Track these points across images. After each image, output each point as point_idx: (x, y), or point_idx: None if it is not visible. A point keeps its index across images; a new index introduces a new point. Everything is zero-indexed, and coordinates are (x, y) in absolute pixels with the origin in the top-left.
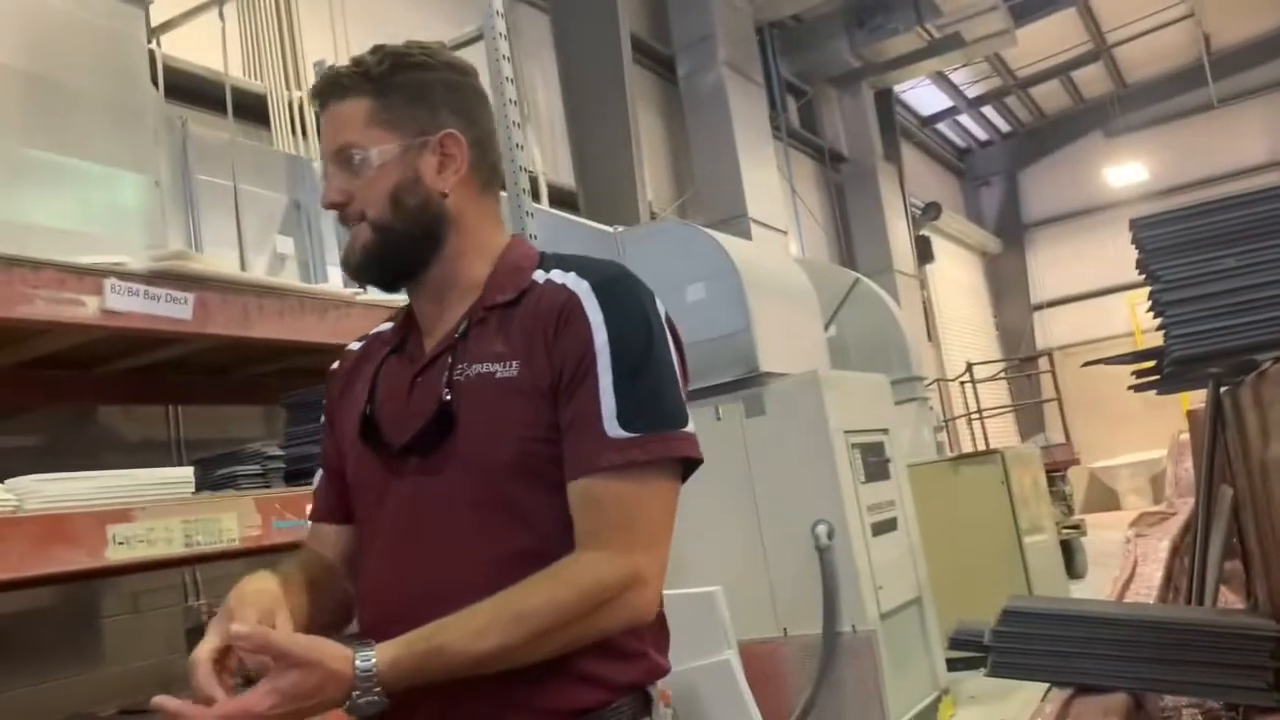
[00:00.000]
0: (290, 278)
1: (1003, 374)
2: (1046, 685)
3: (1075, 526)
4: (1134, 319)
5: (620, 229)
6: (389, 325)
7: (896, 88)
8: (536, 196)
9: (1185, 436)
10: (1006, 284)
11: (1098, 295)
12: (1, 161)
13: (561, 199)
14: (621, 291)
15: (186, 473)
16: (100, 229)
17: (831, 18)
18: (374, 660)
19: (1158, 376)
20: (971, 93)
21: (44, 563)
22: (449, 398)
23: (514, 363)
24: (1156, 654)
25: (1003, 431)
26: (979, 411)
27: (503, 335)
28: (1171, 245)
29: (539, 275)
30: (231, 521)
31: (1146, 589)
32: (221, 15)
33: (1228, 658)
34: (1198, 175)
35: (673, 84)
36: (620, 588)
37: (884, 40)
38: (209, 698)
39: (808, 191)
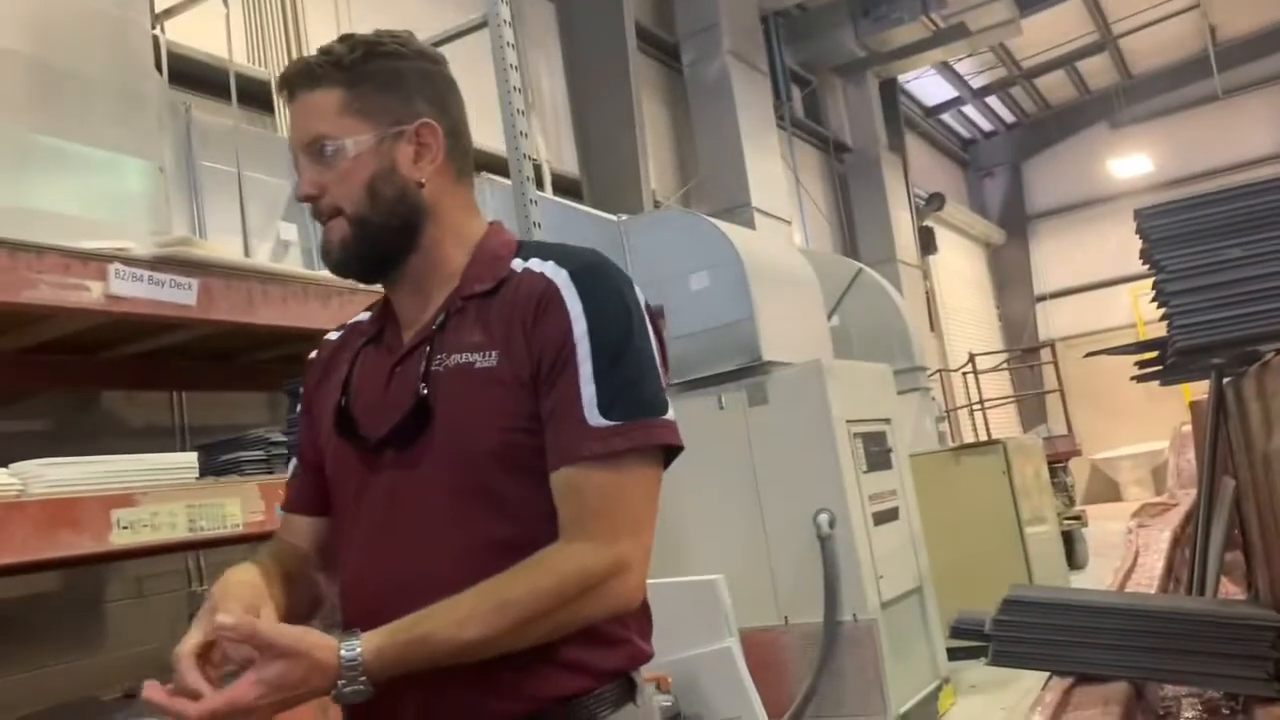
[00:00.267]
0: (293, 264)
1: (1005, 365)
2: (1047, 674)
3: (1076, 517)
4: (1136, 310)
5: (624, 217)
6: (367, 315)
7: (901, 77)
8: (540, 185)
9: (1187, 428)
10: (1009, 275)
11: (1100, 287)
12: (6, 147)
13: (565, 187)
14: (600, 279)
15: (190, 458)
16: (104, 215)
17: (836, 6)
18: (359, 650)
19: (1160, 367)
20: (976, 83)
21: (48, 547)
22: (426, 390)
23: (493, 352)
24: (1157, 644)
25: (1004, 422)
26: (981, 402)
27: (481, 325)
28: (1176, 235)
29: (517, 264)
30: (235, 507)
31: (1148, 579)
32: (225, 1)
33: (1228, 648)
34: (1202, 167)
35: (677, 72)
36: (604, 575)
37: (889, 30)
38: (194, 691)
39: (811, 181)
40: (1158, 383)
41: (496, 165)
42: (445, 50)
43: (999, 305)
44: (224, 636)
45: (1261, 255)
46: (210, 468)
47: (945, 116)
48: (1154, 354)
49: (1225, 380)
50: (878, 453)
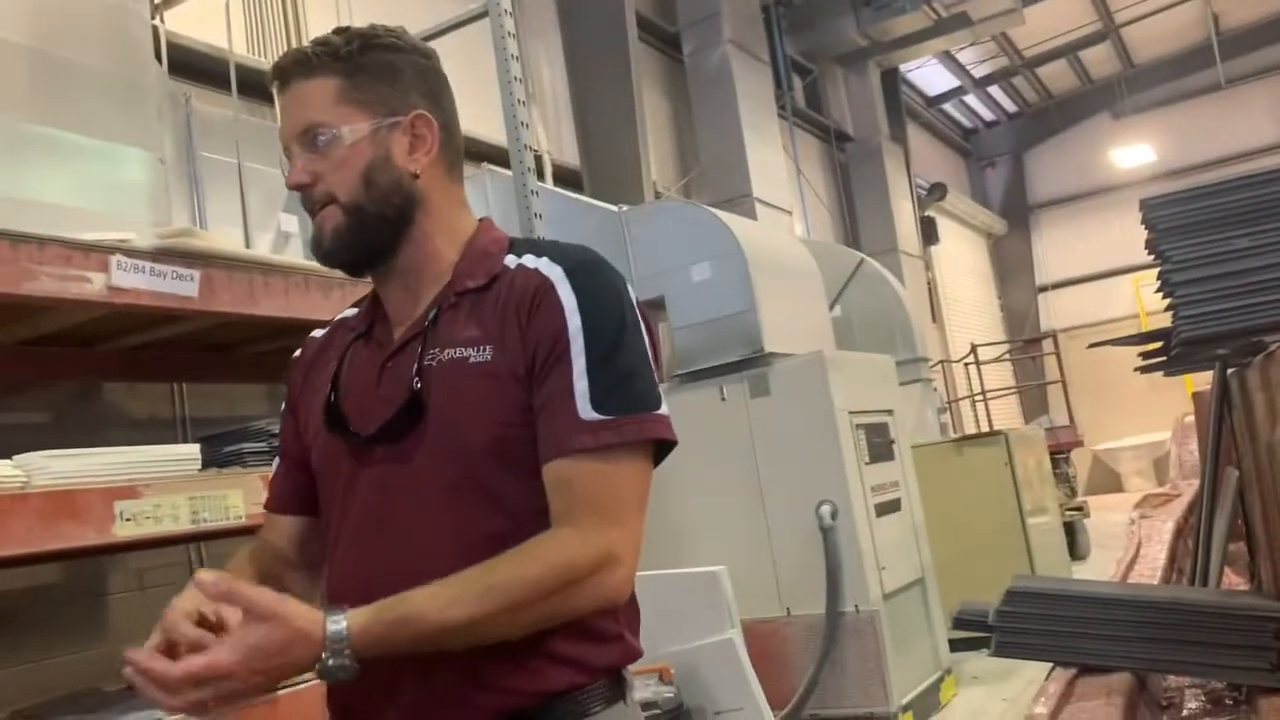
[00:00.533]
0: (294, 255)
1: (1007, 356)
2: (1050, 665)
3: (1078, 508)
4: (1139, 301)
5: (625, 208)
6: (353, 311)
7: (903, 67)
8: (541, 175)
9: (1190, 419)
10: (1011, 265)
11: (1103, 277)
12: (6, 137)
13: (566, 178)
14: (595, 276)
15: (193, 450)
16: (105, 206)
17: None
18: (345, 623)
19: (1165, 358)
20: (978, 72)
21: (52, 539)
22: (419, 385)
23: (487, 347)
24: (1160, 634)
25: (1006, 413)
26: (983, 393)
27: (475, 320)
28: (1182, 225)
29: (510, 260)
30: (237, 499)
31: (1150, 570)
32: None
33: (1232, 638)
34: (1205, 156)
35: (678, 62)
36: (593, 566)
37: (891, 19)
38: (173, 643)
39: (813, 171)
40: (1161, 374)
41: (497, 156)
42: (445, 41)
43: (1001, 296)
44: (203, 592)
45: (1267, 246)
46: (213, 459)
47: (947, 106)
48: (1158, 345)
49: (1229, 371)
50: (880, 444)
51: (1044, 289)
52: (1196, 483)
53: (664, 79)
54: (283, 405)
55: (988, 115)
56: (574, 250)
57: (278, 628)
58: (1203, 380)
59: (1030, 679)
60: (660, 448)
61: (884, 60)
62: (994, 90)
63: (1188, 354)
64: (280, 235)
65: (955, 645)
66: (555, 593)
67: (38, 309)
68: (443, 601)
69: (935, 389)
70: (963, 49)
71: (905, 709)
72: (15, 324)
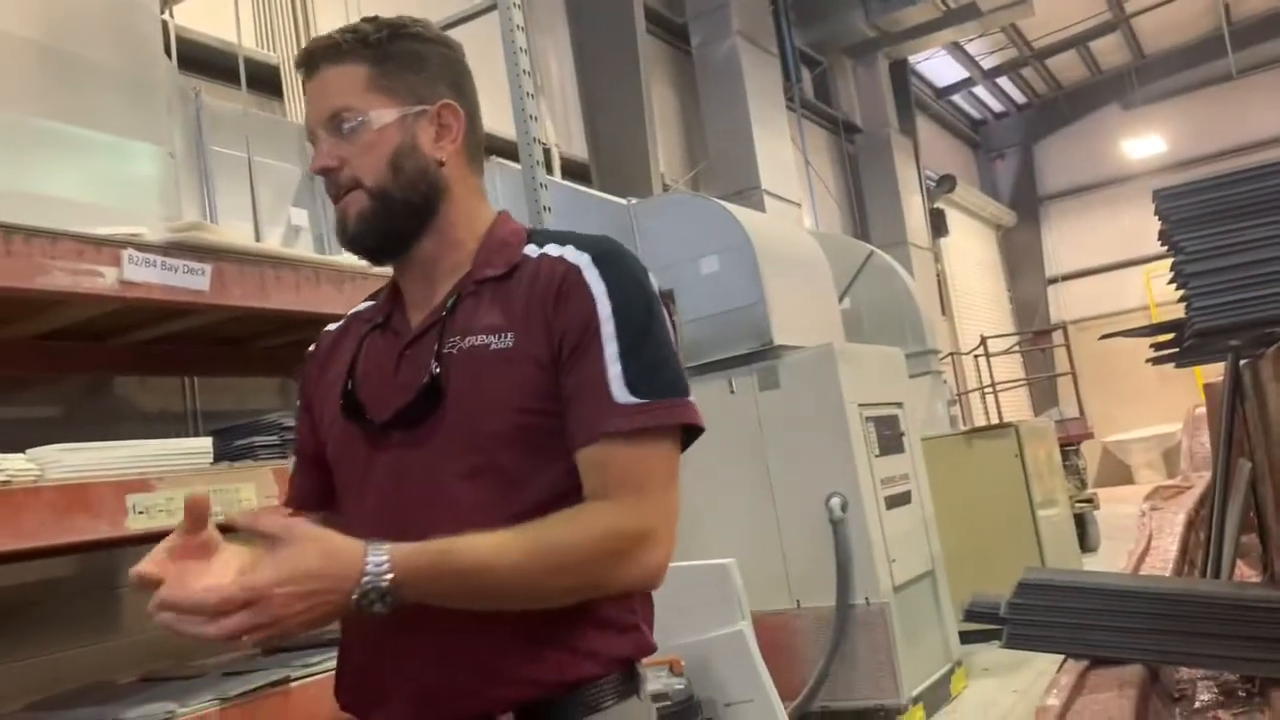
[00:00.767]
0: (304, 249)
1: (1016, 348)
2: (1061, 657)
3: (1088, 500)
4: (1149, 292)
5: (634, 201)
6: (369, 303)
7: (912, 58)
8: (549, 169)
9: (1201, 410)
10: (1021, 257)
11: (1113, 269)
12: (16, 133)
13: (574, 171)
14: (621, 264)
15: (205, 443)
16: (115, 200)
17: None
18: (386, 549)
19: (1177, 349)
20: (987, 64)
21: (65, 532)
22: (438, 370)
23: (509, 334)
24: (1173, 626)
25: (1016, 405)
26: (993, 385)
27: (498, 308)
28: (1195, 216)
29: (531, 250)
30: (250, 491)
31: (1162, 562)
32: None
33: (1244, 630)
34: (1217, 147)
35: (686, 54)
36: (634, 540)
37: (900, 10)
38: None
39: (821, 163)
40: (1172, 365)
41: (506, 149)
42: (454, 34)
43: (1010, 288)
44: (232, 524)
45: None
46: (224, 453)
47: (956, 98)
48: (1170, 336)
49: (1242, 362)
50: (890, 436)
51: (1054, 281)
52: (1208, 474)
53: (672, 71)
54: (298, 402)
55: (997, 107)
56: (597, 239)
57: (315, 547)
58: (1214, 372)
59: (1041, 671)
60: (687, 435)
61: (893, 52)
62: (1003, 81)
63: (1201, 345)
64: (290, 229)
65: (966, 637)
66: (599, 561)
67: (50, 303)
68: (490, 548)
69: (945, 381)
70: (972, 40)
71: (915, 701)
72: (28, 318)
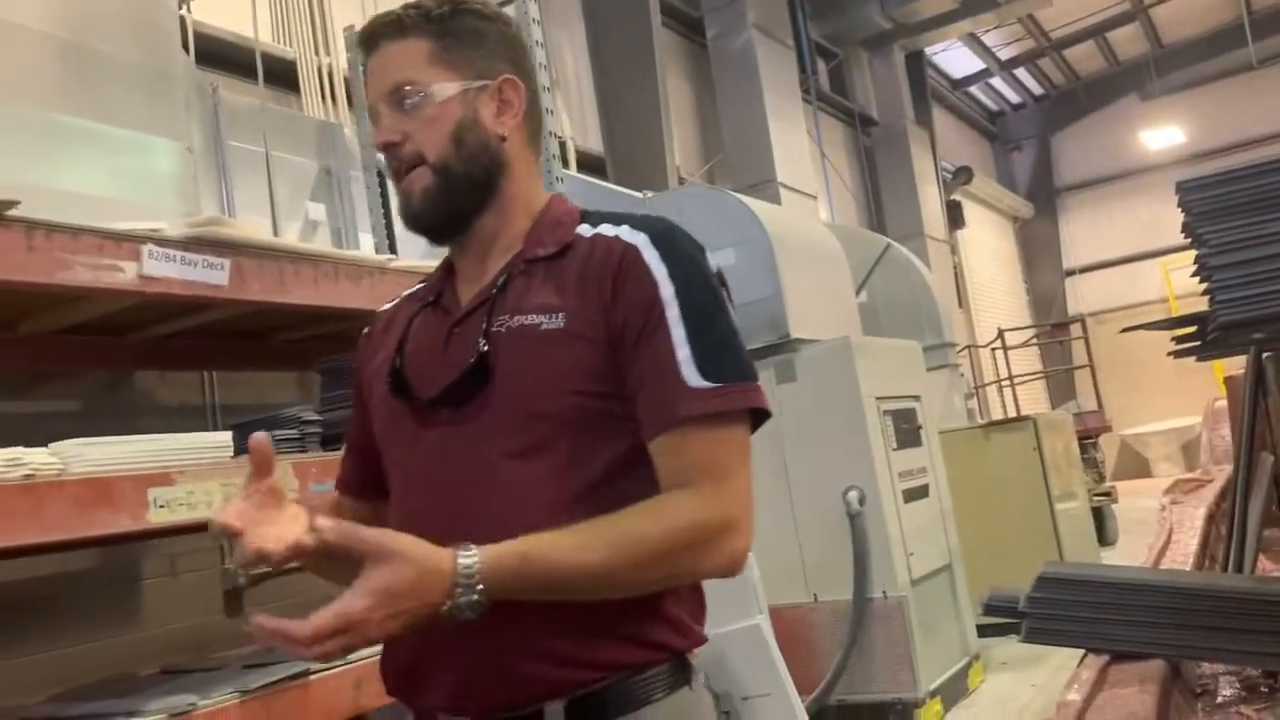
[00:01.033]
0: (322, 244)
1: (1034, 340)
2: (1081, 652)
3: (1106, 493)
4: (1168, 284)
5: (650, 195)
6: (421, 285)
7: (928, 50)
8: (565, 162)
9: (1220, 403)
10: (1038, 249)
11: (1131, 261)
12: (36, 129)
13: (590, 165)
14: (680, 245)
15: (225, 437)
16: (134, 195)
17: None
18: (475, 556)
19: (1199, 342)
20: (1004, 55)
21: (88, 525)
22: (486, 348)
23: (560, 315)
24: (1194, 621)
25: (1033, 398)
26: (1010, 378)
27: (550, 288)
28: (1219, 209)
29: (584, 230)
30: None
31: (1183, 556)
32: None
33: (1267, 625)
34: (1236, 138)
35: (701, 47)
36: (717, 529)
37: (916, 1)
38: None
39: (837, 156)
40: (1194, 358)
41: None
42: None
43: (1027, 280)
44: (323, 538)
45: None
46: (244, 447)
47: (973, 89)
48: (1192, 329)
49: (1265, 355)
50: (907, 430)
51: (1071, 273)
52: (1229, 468)
53: (687, 64)
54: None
55: (1014, 98)
56: (653, 219)
57: (405, 566)
58: (1235, 365)
59: (1059, 665)
60: (754, 420)
61: (909, 43)
62: (1020, 73)
63: (1224, 339)
64: (308, 224)
65: (983, 631)
66: (683, 552)
67: (71, 298)
68: (574, 545)
69: (962, 374)
70: (988, 31)
71: (933, 695)
72: (50, 313)
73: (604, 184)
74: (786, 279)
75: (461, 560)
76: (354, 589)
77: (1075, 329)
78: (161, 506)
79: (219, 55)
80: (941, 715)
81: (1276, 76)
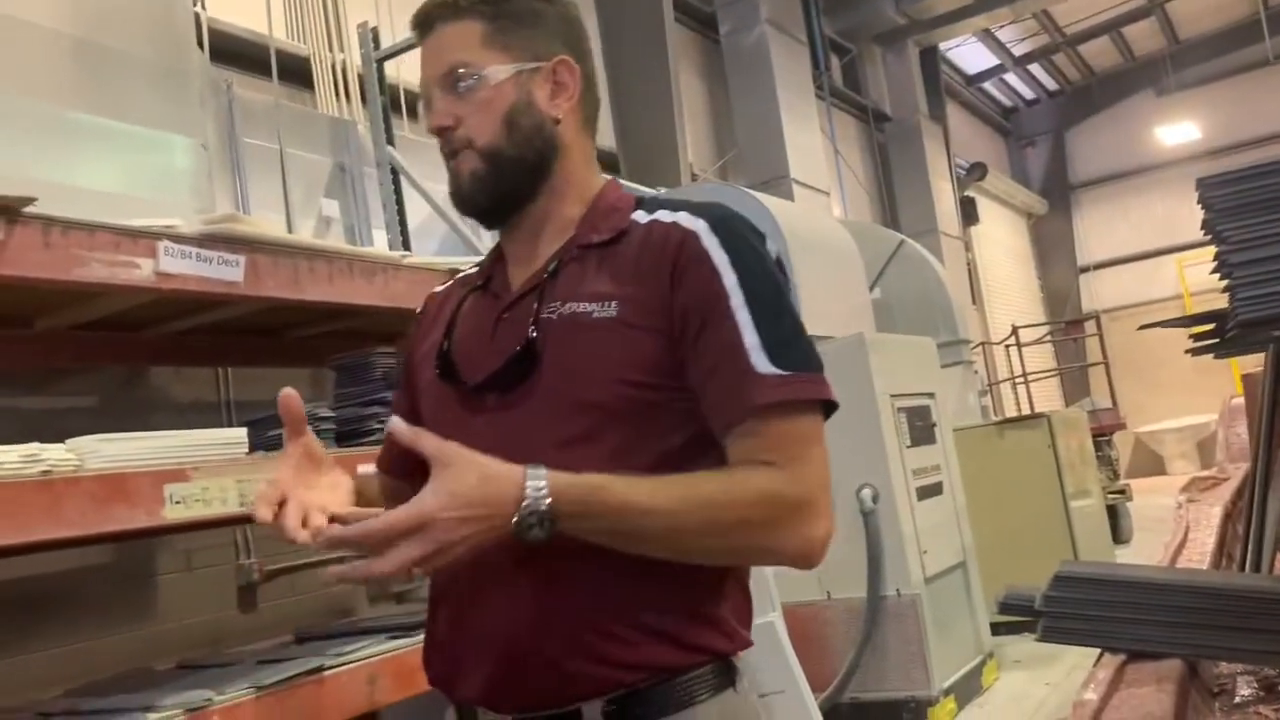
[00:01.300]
0: (336, 240)
1: (1048, 337)
2: (1097, 651)
3: (1121, 491)
4: (1183, 281)
5: (662, 191)
6: (474, 268)
7: (942, 45)
8: None
9: (1237, 401)
10: (1052, 246)
11: (1146, 257)
12: (52, 125)
13: (603, 161)
14: (740, 231)
15: (240, 433)
16: (148, 192)
17: None
18: (545, 472)
19: (1217, 340)
20: (1019, 50)
21: (105, 521)
22: (535, 334)
23: (613, 303)
24: (1212, 620)
25: (1047, 396)
26: (1024, 375)
27: (604, 275)
28: (1239, 205)
29: (640, 216)
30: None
31: (1199, 555)
32: None
33: None
34: (1253, 134)
35: (714, 43)
36: (791, 506)
37: None
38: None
39: (851, 152)
40: (1211, 355)
41: None
42: None
43: (1041, 277)
44: (399, 432)
45: None
46: (259, 443)
47: (987, 85)
48: (1210, 326)
49: None
50: (921, 427)
51: (1085, 269)
52: (1245, 466)
53: (700, 60)
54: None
55: (1028, 94)
56: (710, 205)
57: (473, 468)
58: (1251, 363)
59: (1073, 664)
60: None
61: (923, 39)
62: (1035, 68)
63: (1243, 335)
64: (322, 220)
65: (997, 629)
66: (755, 524)
67: (87, 295)
68: (645, 490)
69: (976, 371)
70: (1003, 26)
71: (947, 693)
72: (65, 309)
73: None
74: (800, 276)
75: (530, 473)
76: (424, 490)
77: (1090, 326)
78: (177, 502)
79: (233, 52)
80: (955, 713)
81: None
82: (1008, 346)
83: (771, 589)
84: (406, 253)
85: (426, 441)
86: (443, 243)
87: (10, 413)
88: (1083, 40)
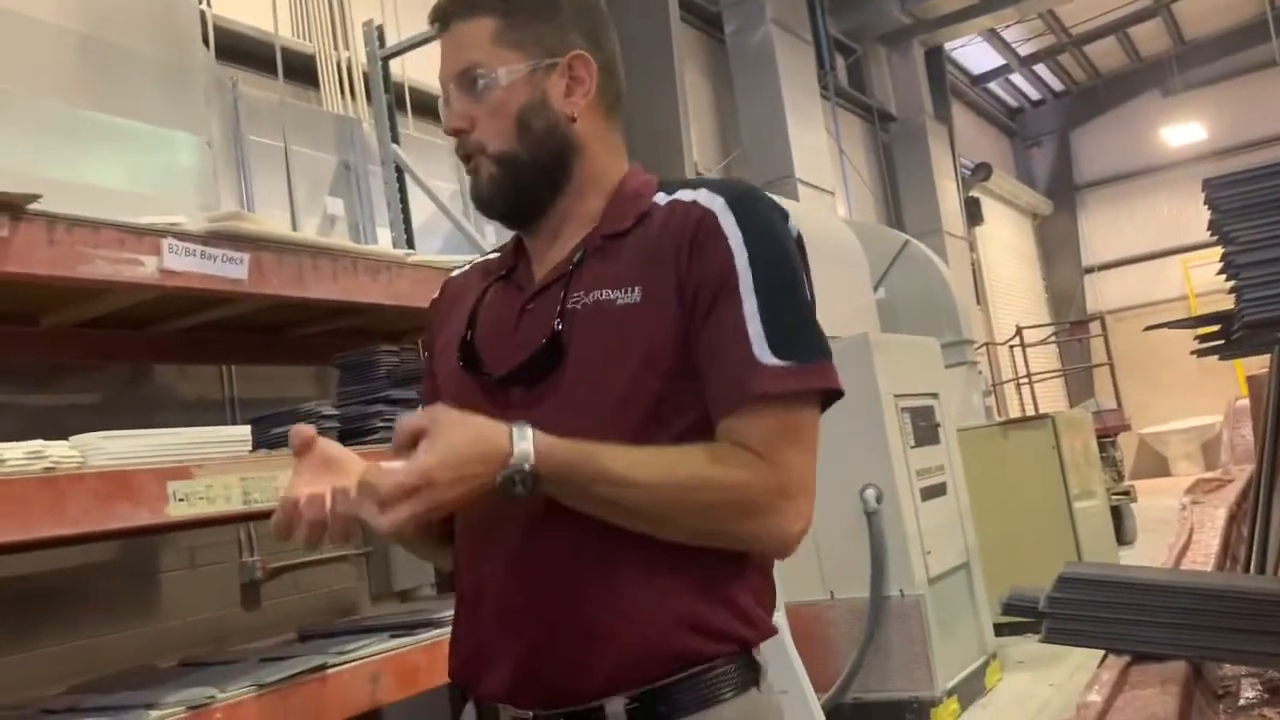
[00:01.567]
0: (340, 238)
1: (1052, 338)
2: (1101, 652)
3: (1125, 492)
4: (1188, 282)
5: None
6: (494, 254)
7: (947, 45)
8: None
9: (1242, 402)
10: (1057, 246)
11: (1151, 258)
12: (57, 123)
13: None
14: (759, 209)
15: (244, 431)
16: (153, 189)
17: None
18: (530, 437)
19: (1223, 341)
20: (1024, 50)
21: (108, 518)
22: (560, 327)
23: (636, 288)
24: (1216, 623)
25: (1051, 396)
26: (1028, 376)
27: (629, 260)
28: (1247, 205)
29: (660, 198)
30: (287, 479)
31: (1204, 557)
32: None
33: None
34: (1259, 135)
35: (720, 42)
36: (766, 498)
37: None
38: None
39: (856, 152)
40: (1216, 356)
41: None
42: None
43: (1046, 277)
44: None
45: None
46: (263, 441)
47: (992, 85)
48: (1216, 328)
49: None
50: (925, 427)
51: (1090, 270)
52: (1250, 468)
53: (706, 59)
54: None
55: (1034, 94)
56: (733, 182)
57: (464, 429)
58: (1257, 364)
59: (1077, 665)
60: (826, 399)
61: (928, 39)
62: (1040, 68)
63: (1249, 337)
64: (326, 218)
65: (1000, 629)
66: (729, 509)
67: (92, 292)
68: (627, 461)
69: (980, 372)
70: (1008, 27)
71: (950, 693)
72: (70, 307)
73: None
74: None
75: (517, 432)
76: (421, 450)
77: (1094, 327)
78: (181, 500)
79: (239, 50)
80: (958, 714)
81: None
82: (1012, 347)
83: (775, 589)
84: (411, 251)
85: (409, 424)
86: (447, 241)
87: (14, 409)
88: (1088, 40)
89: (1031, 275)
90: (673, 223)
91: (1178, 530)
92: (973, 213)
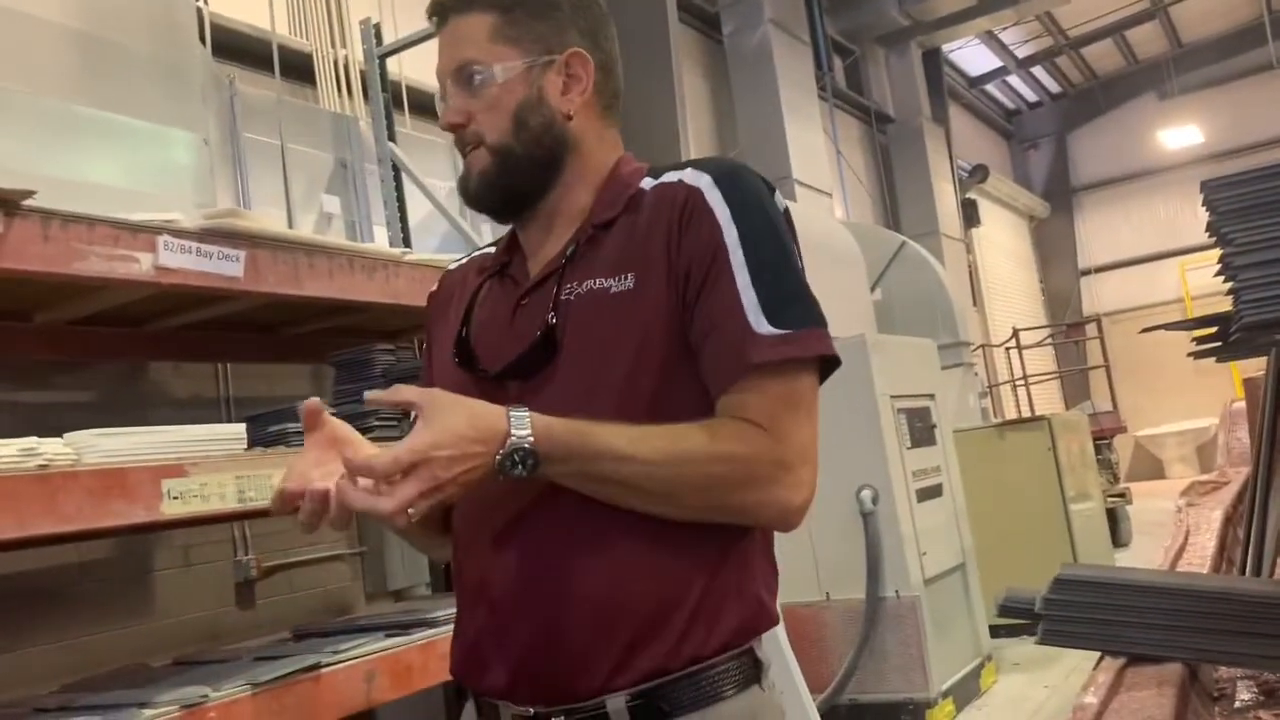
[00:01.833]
0: (337, 236)
1: (1049, 340)
2: (1097, 654)
3: (1120, 495)
4: (1185, 285)
5: None
6: (490, 248)
7: (945, 47)
8: None
9: (1238, 404)
10: (1054, 248)
11: (1147, 261)
12: (54, 120)
13: None
14: (744, 184)
15: (239, 429)
16: (150, 187)
17: None
18: (528, 416)
19: (1220, 343)
20: (1021, 53)
21: (102, 516)
22: (555, 320)
23: (629, 275)
24: (1212, 625)
25: (1047, 398)
26: (1024, 378)
27: (620, 246)
28: (1245, 208)
29: (647, 182)
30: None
31: (1199, 559)
32: None
33: None
34: (1256, 138)
35: (717, 43)
36: (768, 469)
37: None
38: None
39: (853, 153)
40: (1213, 359)
41: None
42: None
43: (1043, 279)
44: (378, 404)
45: None
46: (258, 439)
47: (989, 87)
48: (1213, 330)
49: None
50: (921, 428)
51: (1087, 272)
52: (1246, 470)
53: (703, 60)
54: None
55: (1031, 96)
56: (717, 159)
57: (460, 409)
58: (1252, 367)
59: (1072, 666)
60: (823, 369)
61: (926, 40)
62: (1037, 71)
63: (1247, 339)
64: (323, 216)
65: (996, 631)
66: (731, 483)
67: (87, 289)
68: (626, 439)
69: (976, 373)
70: (1006, 29)
71: (945, 695)
72: (65, 303)
73: None
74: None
75: (514, 412)
76: (416, 430)
77: (1090, 329)
78: (175, 498)
79: (236, 48)
80: (953, 716)
81: None
82: (1008, 349)
83: None
84: (407, 249)
85: (406, 392)
86: (443, 239)
87: (8, 406)
88: (1086, 43)
89: (1028, 277)
90: (662, 204)
91: (1173, 532)
92: (969, 214)
